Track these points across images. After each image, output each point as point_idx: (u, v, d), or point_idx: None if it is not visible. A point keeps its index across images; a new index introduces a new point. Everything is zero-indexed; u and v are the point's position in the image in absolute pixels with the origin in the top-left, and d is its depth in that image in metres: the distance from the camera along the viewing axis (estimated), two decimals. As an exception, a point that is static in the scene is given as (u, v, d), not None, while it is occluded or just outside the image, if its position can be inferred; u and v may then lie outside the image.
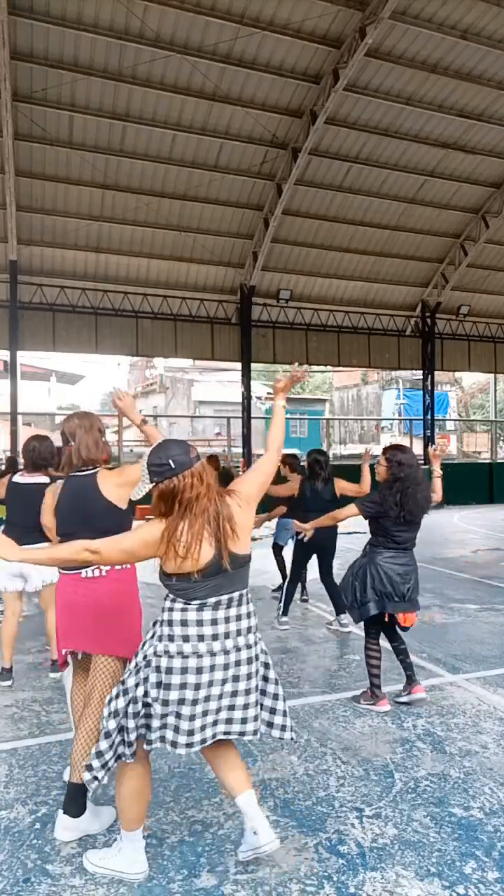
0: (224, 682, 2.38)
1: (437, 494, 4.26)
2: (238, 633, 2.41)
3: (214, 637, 2.36)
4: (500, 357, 20.88)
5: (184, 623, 2.34)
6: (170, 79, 12.70)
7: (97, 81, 12.46)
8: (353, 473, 6.02)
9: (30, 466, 4.60)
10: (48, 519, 3.09)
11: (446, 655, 5.14)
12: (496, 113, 14.64)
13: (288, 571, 6.56)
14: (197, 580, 2.32)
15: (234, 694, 2.40)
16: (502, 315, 20.55)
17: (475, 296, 19.54)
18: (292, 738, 2.57)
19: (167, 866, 2.54)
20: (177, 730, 2.32)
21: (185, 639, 2.33)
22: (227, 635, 2.38)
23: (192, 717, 2.32)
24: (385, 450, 4.19)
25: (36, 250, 15.05)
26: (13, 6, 11.04)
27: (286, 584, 6.01)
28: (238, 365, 18.06)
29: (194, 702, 2.32)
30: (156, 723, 2.32)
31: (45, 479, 4.52)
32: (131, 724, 2.34)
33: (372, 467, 4.39)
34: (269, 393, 36.55)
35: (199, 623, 2.34)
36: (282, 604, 5.96)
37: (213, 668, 2.35)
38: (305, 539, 5.01)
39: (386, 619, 4.13)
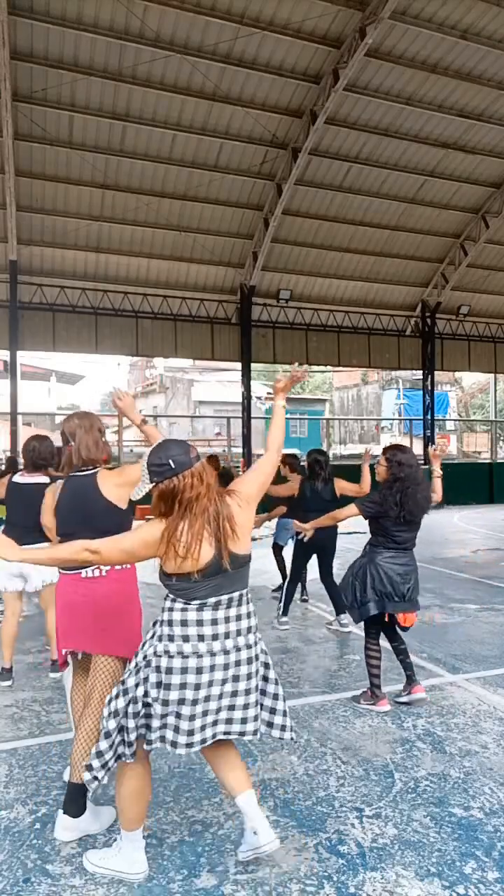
0: (224, 682, 2.38)
1: (437, 494, 4.26)
2: (238, 632, 2.41)
3: (214, 637, 2.35)
4: (500, 357, 20.88)
5: (184, 623, 2.34)
6: (170, 79, 12.70)
7: (97, 81, 12.46)
8: (353, 473, 6.01)
9: (30, 466, 4.60)
10: (48, 519, 3.09)
11: (446, 655, 5.14)
12: (496, 113, 14.64)
13: (288, 571, 6.56)
14: (197, 580, 2.32)
15: (235, 694, 2.40)
16: (502, 315, 20.55)
17: (475, 296, 19.54)
18: (292, 738, 2.57)
19: (167, 866, 2.54)
20: (177, 730, 2.32)
21: (186, 639, 2.33)
22: (227, 635, 2.38)
23: (192, 717, 2.32)
24: (385, 450, 4.19)
25: (36, 250, 15.05)
26: (13, 6, 11.04)
27: (286, 584, 6.01)
28: (238, 365, 18.06)
29: (194, 702, 2.32)
30: (156, 723, 2.32)
31: (45, 479, 4.52)
32: (131, 723, 2.34)
33: (372, 467, 4.39)
34: (269, 393, 36.55)
35: (200, 623, 2.34)
36: (282, 604, 5.96)
37: (213, 668, 2.35)
38: (305, 539, 5.01)
39: (386, 619, 4.14)
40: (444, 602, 7.00)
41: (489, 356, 20.76)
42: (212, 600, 2.35)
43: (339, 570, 6.04)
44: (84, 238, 15.14)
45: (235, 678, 2.40)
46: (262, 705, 2.52)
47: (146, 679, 2.34)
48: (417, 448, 21.66)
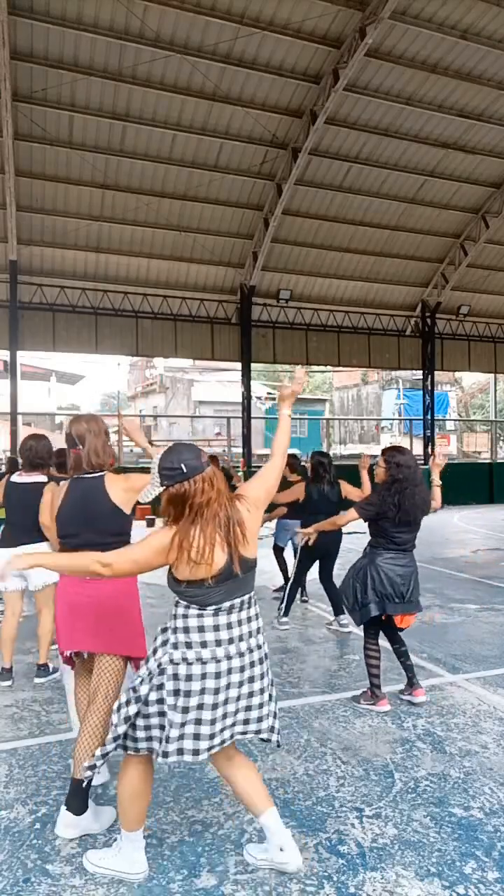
0: (241, 683, 2.40)
1: (437, 502, 4.27)
2: (250, 634, 2.44)
3: (230, 641, 2.37)
4: (500, 357, 20.89)
5: (201, 629, 2.34)
6: (170, 79, 12.70)
7: (97, 81, 12.46)
8: (353, 474, 6.02)
9: (27, 466, 4.60)
10: (47, 517, 3.10)
11: (446, 655, 5.14)
12: (496, 113, 14.64)
13: (290, 573, 6.58)
14: (210, 586, 2.32)
15: (251, 695, 2.43)
16: (502, 315, 20.56)
17: (475, 296, 19.54)
18: (278, 743, 2.57)
19: (167, 866, 2.54)
20: (197, 737, 2.32)
21: (203, 644, 2.33)
22: (241, 638, 2.40)
23: (212, 722, 2.33)
24: (384, 451, 4.19)
25: (36, 250, 15.06)
26: (13, 6, 11.05)
27: (289, 585, 6.00)
28: (238, 365, 18.06)
29: (214, 706, 2.33)
30: (174, 732, 2.30)
31: (43, 479, 4.52)
32: (141, 734, 2.37)
33: (372, 469, 4.40)
34: (269, 393, 36.59)
35: (216, 628, 2.35)
36: (283, 604, 5.96)
37: (230, 671, 2.36)
38: (310, 543, 5.02)
39: (383, 619, 4.14)
40: (444, 602, 7.00)
41: (489, 356, 20.77)
42: (226, 605, 2.36)
43: (339, 570, 6.05)
44: (84, 238, 15.14)
45: (251, 679, 2.43)
46: None
47: (161, 686, 2.34)
48: (418, 448, 21.67)
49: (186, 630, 2.34)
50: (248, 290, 16.92)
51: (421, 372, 20.15)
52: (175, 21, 11.64)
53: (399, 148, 15.06)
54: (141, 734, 2.38)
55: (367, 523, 4.17)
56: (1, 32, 10.95)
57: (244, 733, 2.47)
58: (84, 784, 2.70)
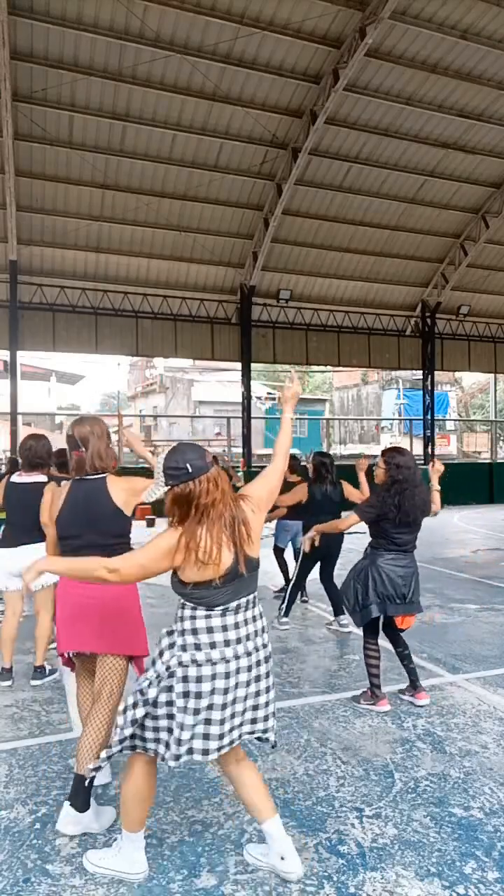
0: (248, 683, 2.41)
1: (436, 505, 4.28)
2: (256, 633, 2.45)
3: (238, 640, 2.37)
4: (500, 357, 20.89)
5: (209, 630, 2.34)
6: (170, 79, 12.71)
7: (97, 81, 12.46)
8: (353, 474, 6.04)
9: (27, 466, 4.60)
10: (47, 517, 3.10)
11: (446, 655, 5.14)
12: (496, 113, 14.65)
13: (291, 574, 6.58)
14: (218, 586, 2.32)
15: (258, 693, 2.45)
16: (502, 315, 20.56)
17: (475, 296, 19.54)
18: (274, 743, 2.58)
19: (167, 866, 2.54)
20: (206, 737, 2.33)
21: (212, 645, 2.33)
22: (247, 637, 2.40)
23: (222, 722, 2.34)
24: (384, 452, 4.19)
25: (36, 250, 15.06)
26: (13, 6, 11.05)
27: (290, 587, 6.00)
28: (238, 365, 18.07)
29: (223, 706, 2.34)
30: (185, 734, 2.31)
31: (43, 478, 4.53)
32: (150, 734, 2.37)
33: (371, 470, 4.40)
34: (269, 393, 36.59)
35: (224, 628, 2.35)
36: (284, 605, 5.96)
37: (238, 671, 2.37)
38: (316, 544, 5.02)
39: (382, 620, 4.14)
40: (444, 602, 7.00)
41: (489, 356, 20.77)
42: (233, 605, 2.36)
43: (339, 570, 6.05)
44: (84, 238, 15.15)
45: (258, 678, 2.44)
46: None
47: (170, 688, 2.34)
48: (418, 448, 21.68)
49: (195, 632, 2.34)
50: (248, 290, 16.92)
51: (421, 372, 20.15)
52: (175, 21, 11.64)
53: (399, 148, 15.06)
54: (149, 735, 2.38)
55: (367, 524, 4.17)
56: (1, 32, 10.95)
57: (252, 732, 2.48)
58: (87, 782, 2.70)
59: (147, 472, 3.13)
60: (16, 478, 4.63)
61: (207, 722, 2.32)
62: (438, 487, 4.41)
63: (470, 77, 13.61)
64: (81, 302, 15.93)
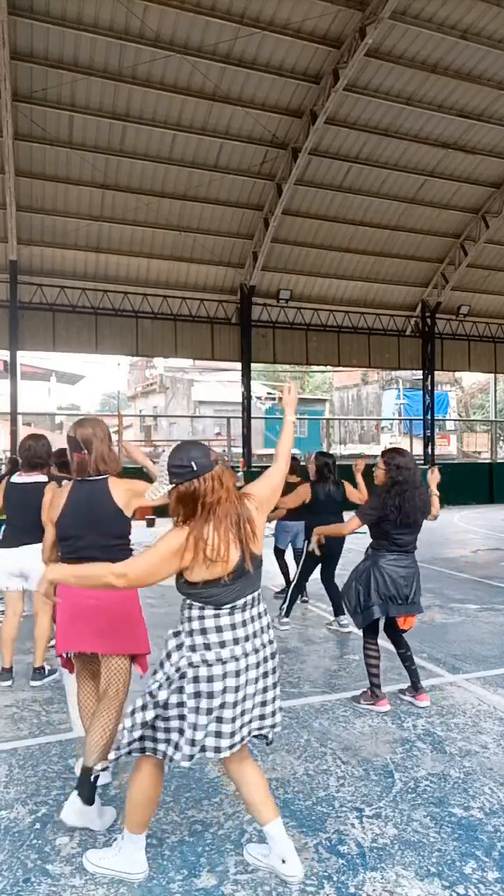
0: (257, 679, 2.42)
1: (435, 509, 4.28)
2: (262, 630, 2.46)
3: (246, 638, 2.38)
4: (500, 357, 20.89)
5: (219, 629, 2.34)
6: (170, 79, 12.71)
7: (97, 81, 12.46)
8: (353, 474, 6.13)
9: (26, 466, 4.60)
10: (48, 516, 3.12)
11: (446, 655, 5.14)
12: (496, 113, 14.65)
13: (291, 575, 6.58)
14: (227, 583, 2.32)
15: (265, 690, 2.47)
16: (502, 315, 20.57)
17: (475, 296, 19.55)
18: (270, 741, 2.59)
19: (167, 866, 2.54)
20: (219, 734, 2.33)
21: (222, 644, 2.33)
22: (255, 634, 2.41)
23: (233, 720, 2.35)
24: (384, 453, 4.19)
25: (36, 250, 15.06)
26: (13, 6, 11.05)
27: (292, 587, 5.99)
28: (238, 365, 18.07)
29: (235, 704, 2.34)
30: (198, 735, 2.31)
31: (43, 478, 4.53)
32: (161, 735, 2.37)
33: (370, 471, 4.40)
34: (269, 393, 36.58)
35: (233, 627, 2.36)
36: (285, 605, 5.96)
37: (247, 668, 2.38)
38: (321, 544, 5.03)
39: (383, 621, 4.14)
40: (444, 602, 7.00)
41: (489, 356, 20.77)
42: (240, 602, 2.37)
43: (339, 570, 6.05)
44: (84, 238, 15.15)
45: (265, 675, 2.46)
46: None
47: (181, 690, 2.33)
48: (418, 448, 21.68)
49: (203, 631, 2.34)
50: (248, 290, 16.92)
51: (421, 372, 20.15)
52: (175, 21, 11.64)
53: (399, 148, 15.06)
54: (161, 735, 2.37)
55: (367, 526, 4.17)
56: (1, 32, 10.95)
57: (261, 728, 2.49)
58: (93, 778, 2.72)
59: (147, 478, 3.18)
60: (16, 478, 4.63)
61: (219, 720, 2.33)
62: (437, 493, 4.43)
63: (470, 77, 13.61)
64: (81, 302, 15.93)
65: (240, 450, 18.36)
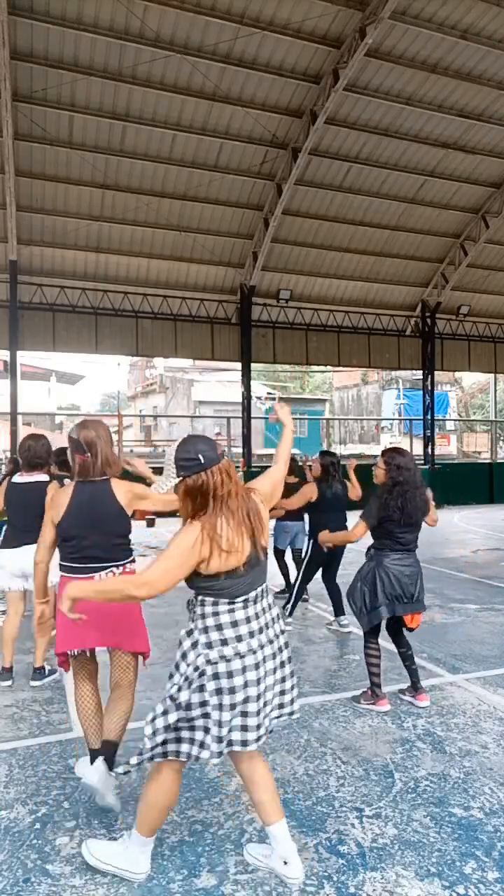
0: (275, 669, 2.44)
1: (433, 514, 4.27)
2: (273, 620, 2.48)
3: (260, 630, 2.39)
4: (500, 357, 20.89)
5: (234, 624, 2.34)
6: (170, 79, 12.70)
7: (97, 81, 12.46)
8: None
9: (26, 466, 4.61)
10: (48, 516, 3.14)
11: (446, 655, 5.14)
12: (496, 113, 14.64)
13: (291, 576, 6.58)
14: (242, 573, 2.34)
15: (283, 679, 2.49)
16: (502, 315, 20.56)
17: (475, 296, 19.54)
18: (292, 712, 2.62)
19: (167, 866, 2.54)
20: (245, 728, 2.34)
21: (239, 639, 2.34)
22: (267, 626, 2.43)
23: (258, 712, 2.36)
24: (384, 452, 4.19)
25: (36, 250, 15.06)
26: (13, 6, 11.05)
27: (297, 587, 5.98)
28: (238, 365, 18.06)
29: (258, 696, 2.36)
30: (223, 731, 2.31)
31: (44, 478, 4.54)
32: (185, 734, 2.36)
33: (369, 469, 4.40)
34: (269, 393, 36.60)
35: (248, 620, 2.36)
36: (290, 605, 5.95)
37: (264, 659, 2.39)
38: (320, 539, 5.02)
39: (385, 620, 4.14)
40: (444, 602, 7.00)
41: (489, 356, 20.77)
42: (252, 595, 2.38)
43: (340, 570, 6.05)
44: (84, 238, 15.14)
45: (282, 664, 2.48)
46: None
47: (202, 688, 2.32)
48: (418, 448, 21.68)
49: (219, 627, 2.33)
50: (248, 290, 16.92)
51: (421, 372, 20.14)
52: (175, 21, 11.64)
53: (399, 148, 15.06)
54: (185, 735, 2.36)
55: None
56: (1, 32, 10.95)
57: (280, 717, 2.51)
58: (114, 751, 2.91)
59: (149, 485, 3.27)
60: (17, 478, 4.64)
61: (244, 714, 2.33)
62: (433, 502, 4.44)
63: (470, 77, 13.60)
64: (81, 302, 15.93)
65: (240, 450, 18.36)
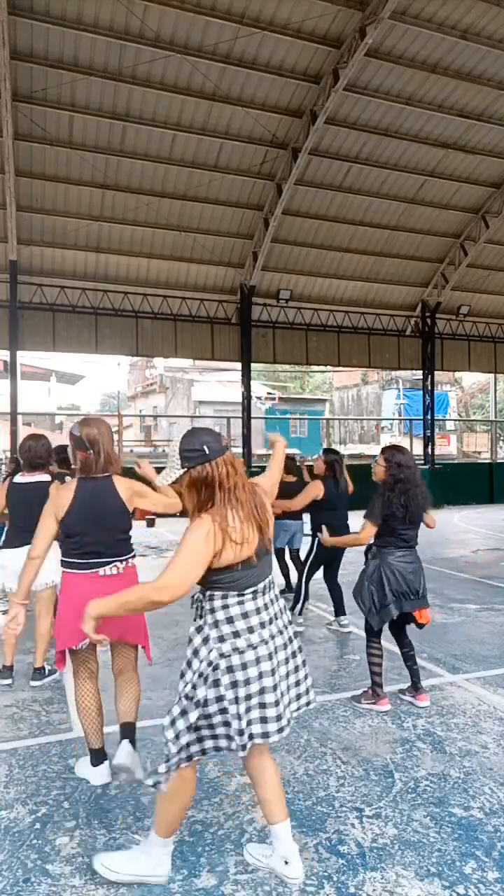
0: (287, 660, 2.45)
1: (432, 517, 4.26)
2: (281, 612, 2.49)
3: (270, 621, 2.40)
4: (500, 357, 20.89)
5: (245, 615, 2.34)
6: (170, 79, 12.70)
7: (97, 81, 12.46)
8: (353, 475, 6.24)
9: (27, 466, 4.61)
10: (47, 511, 3.17)
11: (446, 655, 5.14)
12: (496, 113, 14.64)
13: (292, 575, 6.56)
14: (255, 564, 2.34)
15: (297, 669, 2.50)
16: (502, 315, 20.56)
17: (475, 296, 19.54)
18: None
19: (167, 866, 2.54)
20: (264, 720, 2.31)
21: (250, 630, 2.33)
22: (276, 616, 2.44)
23: (276, 703, 2.34)
24: (384, 450, 4.19)
25: (36, 250, 15.06)
26: (13, 6, 11.04)
27: (303, 584, 5.96)
28: (238, 365, 18.06)
29: (275, 686, 2.35)
30: (243, 724, 2.29)
31: (45, 478, 4.54)
32: (206, 732, 2.35)
33: (368, 467, 4.40)
34: (269, 393, 36.61)
35: (258, 611, 2.36)
36: (299, 606, 5.92)
37: (276, 649, 2.39)
38: (325, 542, 5.02)
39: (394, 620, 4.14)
40: (444, 602, 7.00)
41: (489, 356, 20.76)
42: (260, 586, 2.39)
43: (341, 570, 6.05)
44: (84, 238, 15.14)
45: (294, 654, 2.49)
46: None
47: (217, 683, 2.30)
48: (418, 448, 21.67)
49: (230, 620, 2.33)
50: (248, 290, 16.91)
51: (421, 372, 20.14)
52: (175, 21, 11.64)
53: (399, 148, 15.06)
54: (206, 733, 2.35)
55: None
56: (1, 32, 10.95)
57: (298, 708, 2.51)
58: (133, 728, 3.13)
59: (151, 485, 3.32)
60: (18, 478, 4.64)
61: (262, 706, 2.31)
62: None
63: (470, 77, 13.60)
64: (81, 302, 15.93)
65: (240, 450, 18.36)
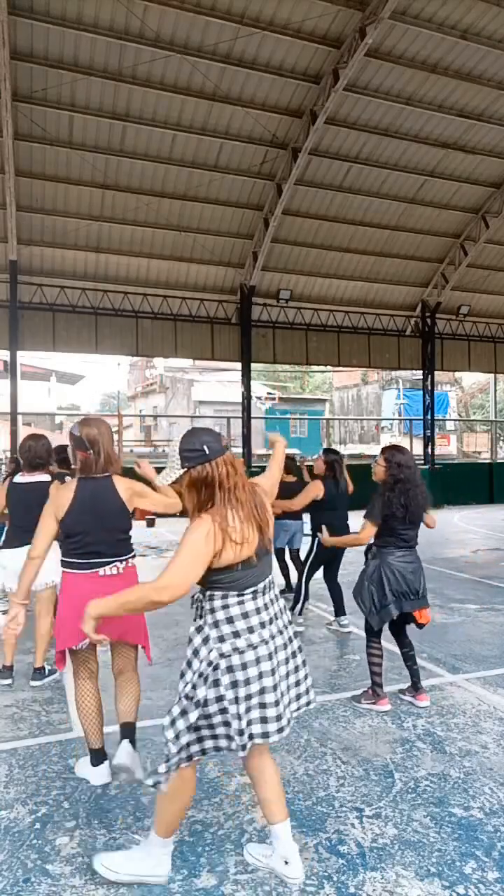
0: (287, 660, 2.45)
1: (431, 518, 4.26)
2: (281, 612, 2.49)
3: (270, 621, 2.40)
4: (500, 357, 20.89)
5: (245, 615, 2.34)
6: (170, 79, 12.70)
7: (97, 81, 12.46)
8: (356, 474, 6.26)
9: (27, 466, 4.61)
10: (47, 511, 3.17)
11: (446, 655, 5.14)
12: (496, 113, 14.64)
13: (292, 575, 6.54)
14: (255, 564, 2.34)
15: (297, 669, 2.50)
16: (502, 315, 20.56)
17: (475, 296, 19.54)
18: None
19: (167, 866, 2.54)
20: (264, 720, 2.31)
21: (250, 630, 2.33)
22: (276, 616, 2.44)
23: (276, 703, 2.34)
24: (384, 450, 4.19)
25: (36, 250, 15.06)
26: (13, 6, 11.04)
27: (303, 584, 5.96)
28: (238, 365, 18.06)
29: (275, 687, 2.35)
30: (243, 724, 2.29)
31: (45, 478, 4.54)
32: (206, 732, 2.35)
33: (368, 467, 4.40)
34: (269, 393, 36.60)
35: (258, 611, 2.36)
36: (300, 605, 5.93)
37: (276, 649, 2.39)
38: (324, 542, 5.03)
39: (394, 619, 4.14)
40: (444, 602, 7.00)
41: (489, 356, 20.76)
42: (260, 586, 2.38)
43: (341, 570, 6.05)
44: (84, 238, 15.14)
45: (294, 654, 2.49)
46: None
47: (217, 682, 2.31)
48: (418, 448, 21.67)
49: (230, 620, 2.33)
50: (248, 290, 16.91)
51: (421, 372, 20.14)
52: (175, 21, 11.64)
53: (399, 148, 15.06)
54: (206, 733, 2.35)
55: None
56: (1, 32, 10.95)
57: (298, 708, 2.51)
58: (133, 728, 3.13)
59: (151, 485, 3.33)
60: (18, 478, 4.64)
61: (262, 706, 2.31)
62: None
63: (470, 77, 13.60)
64: (81, 302, 15.93)
65: (240, 450, 18.35)
